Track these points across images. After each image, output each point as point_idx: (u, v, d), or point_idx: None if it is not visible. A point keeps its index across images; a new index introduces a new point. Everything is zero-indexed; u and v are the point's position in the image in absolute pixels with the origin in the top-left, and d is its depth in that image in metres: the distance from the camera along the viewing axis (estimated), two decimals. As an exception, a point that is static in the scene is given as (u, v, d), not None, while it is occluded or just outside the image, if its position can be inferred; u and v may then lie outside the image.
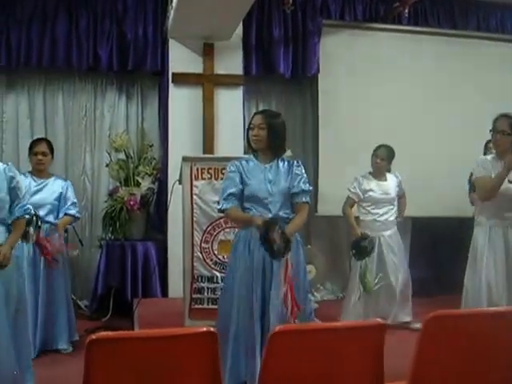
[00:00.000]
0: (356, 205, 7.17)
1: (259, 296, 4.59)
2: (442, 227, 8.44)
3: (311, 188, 4.92)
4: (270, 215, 4.66)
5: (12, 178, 4.58)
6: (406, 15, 8.75)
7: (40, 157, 6.39)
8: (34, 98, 8.80)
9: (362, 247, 6.77)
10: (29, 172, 6.48)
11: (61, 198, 6.49)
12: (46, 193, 6.41)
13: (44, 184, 6.44)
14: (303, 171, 4.85)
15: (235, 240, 4.86)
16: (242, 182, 4.77)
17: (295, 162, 4.87)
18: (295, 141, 8.92)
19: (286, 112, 8.72)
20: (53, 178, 6.57)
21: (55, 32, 8.28)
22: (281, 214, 4.70)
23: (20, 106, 8.74)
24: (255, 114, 5.01)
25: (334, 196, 7.79)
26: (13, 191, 4.58)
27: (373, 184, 7.08)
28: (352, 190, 7.08)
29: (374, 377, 2.93)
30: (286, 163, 4.85)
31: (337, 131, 8.54)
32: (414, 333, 6.35)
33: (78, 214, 6.69)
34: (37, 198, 6.26)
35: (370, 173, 7.16)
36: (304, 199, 4.77)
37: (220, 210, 4.88)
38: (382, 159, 7.07)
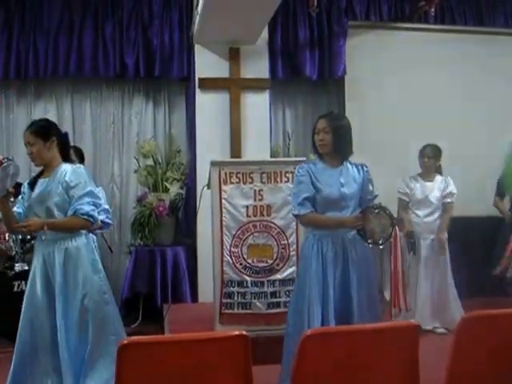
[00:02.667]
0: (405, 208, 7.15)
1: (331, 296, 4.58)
2: (472, 227, 8.37)
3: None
4: None
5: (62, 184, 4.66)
6: (433, 14, 8.69)
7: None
8: (62, 107, 8.89)
9: (412, 243, 6.76)
10: None
11: None
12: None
13: None
14: (372, 179, 4.85)
15: (305, 244, 4.82)
16: (313, 185, 4.74)
17: (364, 166, 4.85)
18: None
19: (313, 114, 8.68)
20: None
21: (82, 41, 8.36)
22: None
23: (48, 114, 8.77)
24: (319, 117, 4.92)
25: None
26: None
27: (417, 184, 7.06)
28: (401, 191, 7.09)
29: (410, 378, 2.90)
30: (354, 167, 4.83)
31: (363, 132, 8.45)
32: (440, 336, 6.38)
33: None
34: None
35: (418, 174, 7.14)
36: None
37: (296, 216, 4.83)
38: (429, 157, 7.07)
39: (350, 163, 4.84)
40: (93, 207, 4.64)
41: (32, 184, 4.80)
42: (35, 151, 4.69)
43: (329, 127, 4.73)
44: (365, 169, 4.83)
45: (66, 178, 4.64)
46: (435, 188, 7.06)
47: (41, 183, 4.75)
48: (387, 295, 6.99)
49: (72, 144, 7.84)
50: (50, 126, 4.85)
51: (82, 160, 6.67)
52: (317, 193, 4.69)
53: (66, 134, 5.05)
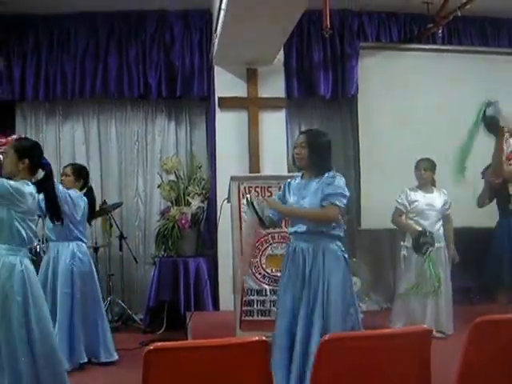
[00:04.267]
0: (405, 216, 7.11)
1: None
2: (478, 236, 8.33)
3: (341, 192, 4.63)
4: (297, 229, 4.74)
5: None
6: (440, 35, 8.68)
7: (62, 177, 6.48)
8: (88, 126, 8.99)
9: (421, 243, 6.70)
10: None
11: None
12: None
13: None
14: (335, 180, 4.65)
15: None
16: (284, 197, 4.89)
17: (330, 173, 4.71)
18: (337, 159, 8.89)
19: (327, 131, 8.67)
20: None
21: (107, 64, 8.46)
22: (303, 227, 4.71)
23: (76, 133, 8.92)
24: (300, 133, 5.04)
25: (376, 210, 7.79)
26: None
27: (419, 195, 7.02)
28: (399, 201, 7.03)
29: (422, 381, 2.91)
30: (321, 178, 4.72)
31: (376, 149, 8.50)
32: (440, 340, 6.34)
33: None
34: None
35: (416, 186, 7.11)
36: (329, 201, 4.59)
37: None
38: (426, 170, 7.03)
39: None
40: None
41: None
42: (4, 162, 4.67)
43: (305, 142, 4.75)
44: (327, 175, 4.69)
45: None
46: (437, 199, 7.04)
47: None
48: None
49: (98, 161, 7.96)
50: (31, 148, 4.77)
51: (82, 179, 6.59)
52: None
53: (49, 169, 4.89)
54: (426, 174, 7.05)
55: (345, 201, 4.67)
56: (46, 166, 4.80)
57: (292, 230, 4.83)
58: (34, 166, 4.72)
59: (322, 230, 4.65)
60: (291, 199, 4.80)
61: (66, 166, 6.63)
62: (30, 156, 4.65)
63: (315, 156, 4.76)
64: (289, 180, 4.95)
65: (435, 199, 7.03)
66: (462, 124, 8.42)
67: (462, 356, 2.92)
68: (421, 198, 7.00)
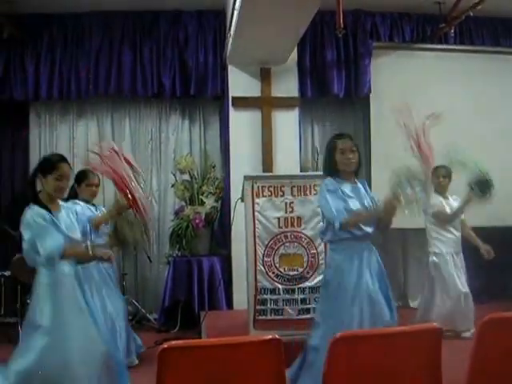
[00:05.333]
0: (426, 223, 7.12)
1: None
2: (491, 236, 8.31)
3: None
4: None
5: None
6: (452, 35, 8.69)
7: (94, 188, 6.38)
8: (102, 125, 9.05)
9: (482, 182, 6.65)
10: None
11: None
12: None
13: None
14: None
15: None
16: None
17: (360, 179, 4.91)
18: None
19: (340, 131, 8.63)
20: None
21: (121, 62, 8.49)
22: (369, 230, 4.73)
23: (90, 131, 8.95)
24: (340, 137, 4.91)
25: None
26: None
27: (437, 200, 7.01)
28: (440, 209, 7.02)
29: (433, 380, 2.92)
30: (361, 182, 4.90)
31: (388, 148, 8.46)
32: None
33: None
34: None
35: (434, 192, 7.10)
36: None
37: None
38: (444, 177, 7.02)
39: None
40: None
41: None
42: (68, 185, 4.66)
43: (355, 146, 4.79)
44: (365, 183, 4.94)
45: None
46: (453, 204, 7.03)
47: (59, 216, 4.50)
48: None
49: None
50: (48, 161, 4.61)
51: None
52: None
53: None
54: (444, 181, 7.05)
55: None
56: None
57: (359, 233, 4.74)
58: None
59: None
60: (352, 204, 4.73)
61: (93, 176, 6.35)
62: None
63: (360, 159, 4.85)
64: (333, 185, 4.79)
65: (452, 205, 7.03)
66: (475, 125, 8.43)
67: (471, 354, 2.94)
68: (439, 203, 7.00)
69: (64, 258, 4.36)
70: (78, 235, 4.54)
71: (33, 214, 4.35)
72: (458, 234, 7.04)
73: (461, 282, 6.91)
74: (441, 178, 7.04)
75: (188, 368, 2.69)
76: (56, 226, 4.41)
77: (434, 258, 7.03)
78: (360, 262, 4.69)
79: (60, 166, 4.47)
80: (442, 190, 7.09)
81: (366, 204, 4.74)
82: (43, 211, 4.39)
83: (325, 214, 4.81)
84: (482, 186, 6.61)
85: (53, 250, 4.29)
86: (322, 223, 5.09)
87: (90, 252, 4.40)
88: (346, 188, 4.79)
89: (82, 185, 6.26)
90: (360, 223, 4.67)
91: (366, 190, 4.85)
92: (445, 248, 7.00)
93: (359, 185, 4.85)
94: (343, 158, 4.79)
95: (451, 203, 7.06)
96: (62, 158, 4.58)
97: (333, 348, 2.75)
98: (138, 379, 5.61)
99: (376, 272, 4.71)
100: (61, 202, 4.59)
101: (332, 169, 4.86)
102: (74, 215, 4.63)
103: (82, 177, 6.27)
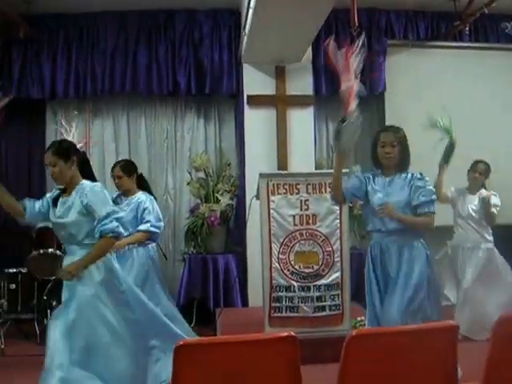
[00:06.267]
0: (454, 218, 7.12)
1: None
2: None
3: (434, 198, 4.76)
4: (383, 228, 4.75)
5: (82, 201, 4.59)
6: (467, 32, 8.67)
7: (116, 180, 6.53)
8: (118, 123, 9.08)
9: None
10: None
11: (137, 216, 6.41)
12: (132, 211, 6.40)
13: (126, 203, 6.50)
14: (427, 184, 4.75)
15: None
16: (367, 192, 4.88)
17: (417, 174, 4.80)
18: (364, 156, 8.89)
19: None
20: (134, 197, 6.53)
21: (137, 61, 8.52)
22: (394, 226, 4.71)
23: (106, 130, 9.00)
24: (382, 131, 4.98)
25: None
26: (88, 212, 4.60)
27: (461, 198, 6.98)
28: (449, 194, 7.01)
29: (448, 377, 2.92)
30: (406, 176, 4.81)
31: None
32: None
33: (151, 229, 6.36)
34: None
35: (466, 188, 7.07)
36: (425, 210, 4.68)
37: None
38: (481, 173, 6.95)
39: (406, 173, 4.85)
40: (116, 224, 4.58)
41: (55, 200, 4.78)
42: (57, 171, 4.67)
43: (396, 141, 4.77)
44: (416, 176, 4.79)
45: (87, 200, 4.58)
46: (476, 201, 6.97)
47: (62, 202, 4.71)
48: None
49: (128, 158, 8.02)
50: (70, 147, 4.83)
51: (135, 173, 6.64)
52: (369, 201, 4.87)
53: (84, 153, 5.09)
54: (480, 177, 6.97)
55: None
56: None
57: (376, 227, 4.82)
58: (82, 161, 4.89)
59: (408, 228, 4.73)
60: (376, 196, 4.79)
61: (113, 168, 6.63)
62: (74, 152, 4.81)
63: (404, 154, 4.84)
64: (372, 173, 4.95)
65: (474, 201, 6.96)
66: (491, 123, 8.40)
67: (487, 352, 2.94)
68: (461, 200, 6.96)
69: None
70: (66, 220, 4.64)
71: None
72: (474, 228, 6.98)
73: (471, 278, 6.87)
74: (477, 173, 6.98)
75: (204, 365, 2.70)
76: (47, 207, 4.78)
77: (449, 251, 7.04)
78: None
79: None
80: (474, 186, 7.01)
81: (391, 199, 4.71)
82: (55, 192, 4.84)
83: None
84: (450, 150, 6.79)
85: None
86: None
87: None
88: (379, 181, 4.85)
89: None
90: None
91: (409, 184, 4.75)
92: (457, 241, 6.99)
93: (396, 179, 4.80)
94: (382, 152, 4.81)
95: (474, 199, 6.99)
96: (47, 149, 4.78)
97: (349, 345, 2.75)
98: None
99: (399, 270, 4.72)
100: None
101: (375, 161, 4.93)
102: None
103: None
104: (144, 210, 6.34)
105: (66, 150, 4.74)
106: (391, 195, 4.75)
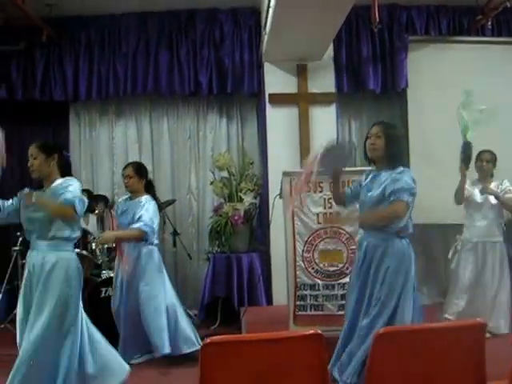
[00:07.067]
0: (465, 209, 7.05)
1: None
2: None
3: (409, 187, 4.57)
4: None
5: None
6: (490, 27, 8.60)
7: (126, 180, 6.53)
8: (141, 123, 9.14)
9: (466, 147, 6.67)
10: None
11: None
12: (129, 214, 6.41)
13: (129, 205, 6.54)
14: (404, 176, 4.60)
15: None
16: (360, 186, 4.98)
17: (404, 169, 4.71)
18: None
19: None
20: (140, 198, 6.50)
21: (158, 62, 8.56)
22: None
23: (128, 131, 9.07)
24: (373, 124, 4.97)
25: (426, 205, 7.64)
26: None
27: (476, 189, 6.93)
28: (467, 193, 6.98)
29: (476, 375, 2.90)
30: (395, 171, 4.69)
31: (426, 143, 8.41)
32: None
33: (143, 227, 6.16)
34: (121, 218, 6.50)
35: (477, 179, 7.02)
36: (394, 197, 4.53)
37: None
38: (488, 161, 6.91)
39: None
40: (75, 197, 4.65)
41: None
42: (36, 164, 4.82)
43: (381, 132, 4.76)
44: (397, 170, 4.67)
45: (57, 184, 4.80)
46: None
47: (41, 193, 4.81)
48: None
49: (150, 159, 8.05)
50: (54, 146, 5.02)
51: (145, 177, 6.66)
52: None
53: (67, 156, 5.19)
54: (487, 165, 6.93)
55: (412, 197, 4.60)
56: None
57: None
58: (63, 162, 5.02)
59: (387, 225, 4.68)
60: (363, 191, 4.87)
61: (125, 168, 6.63)
62: (57, 152, 4.96)
63: (391, 146, 4.77)
64: (370, 169, 4.99)
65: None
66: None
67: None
68: (477, 191, 6.91)
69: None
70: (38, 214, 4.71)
71: None
72: (482, 223, 6.91)
73: (476, 275, 6.83)
74: (484, 162, 6.94)
75: (231, 363, 2.71)
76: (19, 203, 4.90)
77: (458, 246, 7.00)
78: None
79: None
80: (483, 175, 6.98)
81: (369, 194, 4.77)
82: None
83: None
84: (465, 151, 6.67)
85: None
86: None
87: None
88: (370, 176, 4.90)
89: None
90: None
91: (390, 179, 4.65)
92: (469, 235, 6.95)
93: (382, 174, 4.76)
94: (368, 144, 4.85)
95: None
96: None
97: (376, 343, 2.75)
98: (179, 373, 5.68)
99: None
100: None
101: (365, 155, 4.96)
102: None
103: None
104: (142, 208, 6.30)
105: (49, 147, 4.92)
106: (372, 190, 4.78)
